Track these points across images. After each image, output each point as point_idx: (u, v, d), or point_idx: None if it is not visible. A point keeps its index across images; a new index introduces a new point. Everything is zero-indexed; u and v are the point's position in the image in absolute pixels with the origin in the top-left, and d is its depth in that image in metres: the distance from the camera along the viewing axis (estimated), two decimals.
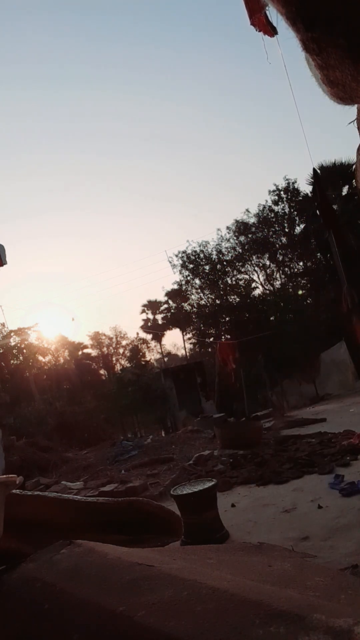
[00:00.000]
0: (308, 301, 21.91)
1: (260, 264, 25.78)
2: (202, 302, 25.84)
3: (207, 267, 25.16)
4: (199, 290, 25.87)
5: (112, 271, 77.84)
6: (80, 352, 35.38)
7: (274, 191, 24.34)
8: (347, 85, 1.78)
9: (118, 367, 35.70)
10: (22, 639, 1.39)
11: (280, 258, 25.34)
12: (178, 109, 57.54)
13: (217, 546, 2.86)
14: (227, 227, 25.73)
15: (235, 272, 25.26)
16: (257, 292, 24.59)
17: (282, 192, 24.21)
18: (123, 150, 63.57)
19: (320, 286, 21.45)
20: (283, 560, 1.95)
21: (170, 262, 25.67)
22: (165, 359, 41.13)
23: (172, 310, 33.78)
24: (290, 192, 24.10)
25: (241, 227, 24.97)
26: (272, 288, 24.85)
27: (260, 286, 25.55)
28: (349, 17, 1.55)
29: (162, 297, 36.47)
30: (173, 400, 20.55)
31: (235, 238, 25.16)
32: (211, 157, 59.72)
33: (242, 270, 25.48)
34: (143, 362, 35.68)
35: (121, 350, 39.02)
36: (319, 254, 22.99)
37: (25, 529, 1.90)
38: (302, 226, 23.75)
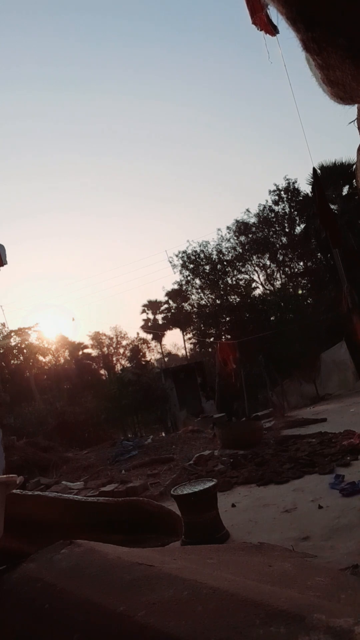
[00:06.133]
0: (308, 301, 21.89)
1: (261, 264, 25.79)
2: (203, 302, 25.85)
3: (207, 267, 25.16)
4: (199, 290, 25.89)
5: (112, 271, 77.97)
6: (80, 352, 35.40)
7: (274, 191, 24.37)
8: (347, 85, 1.79)
9: (118, 367, 35.69)
10: (22, 639, 1.39)
11: (281, 258, 25.35)
12: (178, 109, 57.59)
13: (218, 546, 2.86)
14: (228, 227, 25.80)
15: (235, 272, 25.28)
16: (258, 292, 24.63)
17: (282, 192, 24.23)
18: (123, 151, 63.62)
19: (321, 286, 21.44)
20: (283, 560, 1.95)
21: (170, 262, 25.73)
22: (166, 359, 41.13)
23: (173, 310, 33.80)
24: (290, 192, 24.11)
25: (241, 227, 24.97)
26: (272, 288, 24.85)
27: (260, 286, 25.58)
28: (349, 17, 1.55)
29: (162, 297, 36.54)
30: (173, 400, 20.53)
31: (235, 238, 25.18)
32: (211, 157, 59.72)
33: (243, 270, 25.50)
34: (143, 362, 35.70)
35: (121, 350, 39.07)
36: (319, 254, 22.99)
37: (26, 529, 1.90)
38: (302, 226, 23.77)
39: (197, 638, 1.05)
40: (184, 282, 26.06)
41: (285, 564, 1.86)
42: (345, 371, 15.71)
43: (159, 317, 40.03)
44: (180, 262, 25.33)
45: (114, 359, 38.07)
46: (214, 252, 25.07)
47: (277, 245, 25.12)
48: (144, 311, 41.49)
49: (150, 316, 41.50)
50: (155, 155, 63.78)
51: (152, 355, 40.00)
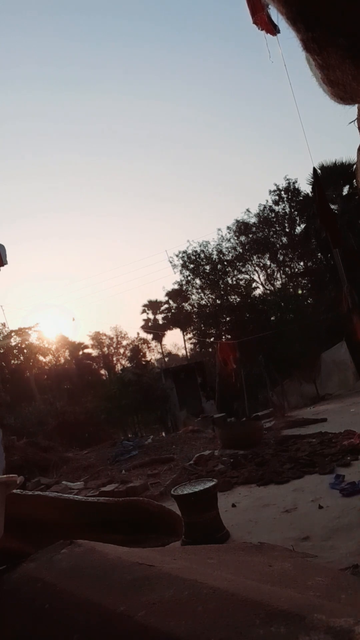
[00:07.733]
0: (308, 301, 21.88)
1: (261, 264, 25.79)
2: (203, 302, 25.85)
3: (207, 267, 25.16)
4: (200, 290, 25.88)
5: (112, 271, 77.96)
6: (80, 352, 35.40)
7: (274, 191, 24.37)
8: (347, 84, 1.79)
9: (118, 367, 35.68)
10: (22, 639, 1.39)
11: (281, 258, 25.35)
12: (178, 109, 57.56)
13: (218, 546, 2.86)
14: (228, 227, 25.81)
15: (235, 272, 25.28)
16: (258, 292, 24.63)
17: (282, 192, 24.24)
18: (123, 151, 63.57)
19: (321, 286, 21.43)
20: (283, 560, 1.95)
21: (170, 262, 25.73)
22: (166, 359, 41.12)
23: (173, 310, 33.79)
24: (290, 192, 24.12)
25: (242, 227, 24.97)
26: (272, 288, 24.85)
27: (260, 286, 25.59)
28: (349, 17, 1.55)
29: (162, 297, 36.51)
30: (174, 400, 20.53)
31: (235, 238, 25.18)
32: (211, 157, 59.67)
33: (243, 270, 25.50)
34: (144, 362, 35.67)
35: (122, 350, 39.07)
36: (319, 254, 22.98)
37: (26, 529, 1.90)
38: (302, 226, 23.77)
39: (197, 638, 1.05)
40: (184, 282, 26.08)
41: (285, 564, 1.85)
42: (345, 371, 15.71)
43: (159, 317, 40.05)
44: (181, 262, 25.36)
45: (114, 359, 38.08)
46: (214, 252, 25.08)
47: (277, 245, 25.12)
48: (144, 311, 41.52)
49: (151, 316, 41.52)
50: (155, 155, 63.74)
51: (152, 355, 40.04)
